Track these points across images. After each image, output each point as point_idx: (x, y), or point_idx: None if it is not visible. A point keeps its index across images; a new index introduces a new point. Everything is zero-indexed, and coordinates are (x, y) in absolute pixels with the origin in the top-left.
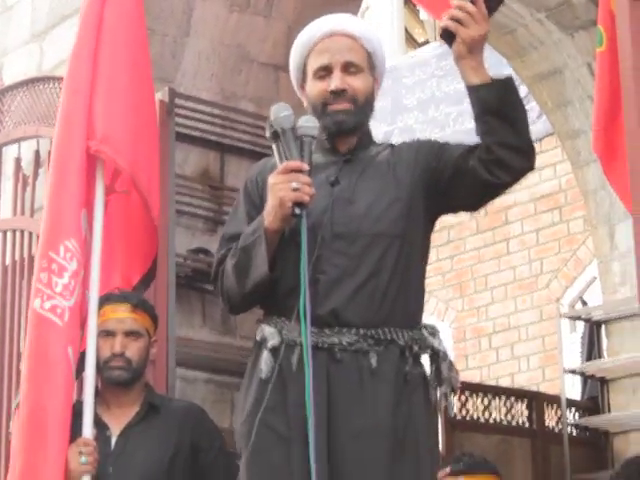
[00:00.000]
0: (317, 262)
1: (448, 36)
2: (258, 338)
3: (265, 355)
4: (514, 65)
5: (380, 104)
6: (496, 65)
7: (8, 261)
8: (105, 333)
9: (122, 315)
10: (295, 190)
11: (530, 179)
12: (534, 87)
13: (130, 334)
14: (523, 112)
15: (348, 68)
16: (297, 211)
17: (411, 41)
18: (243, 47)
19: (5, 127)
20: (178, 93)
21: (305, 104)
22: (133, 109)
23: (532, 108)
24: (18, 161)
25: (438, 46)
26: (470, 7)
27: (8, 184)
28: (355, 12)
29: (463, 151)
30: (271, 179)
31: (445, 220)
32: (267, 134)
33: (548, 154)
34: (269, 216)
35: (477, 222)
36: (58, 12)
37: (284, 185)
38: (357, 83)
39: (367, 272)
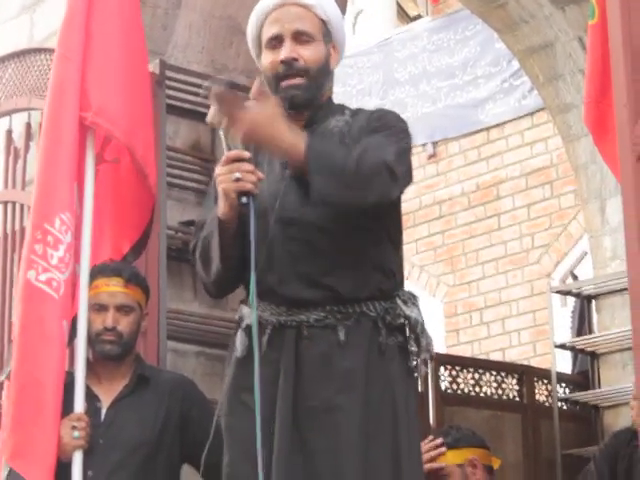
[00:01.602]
0: (270, 248)
1: None
2: (237, 317)
3: (239, 334)
4: (505, 39)
5: (372, 78)
6: (487, 40)
7: (0, 233)
8: (97, 307)
9: (114, 289)
10: (237, 180)
11: (521, 154)
12: (525, 61)
13: (122, 308)
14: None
15: (299, 37)
16: (244, 200)
17: (403, 15)
18: (234, 19)
19: None
20: (169, 65)
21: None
22: (127, 80)
23: (524, 82)
24: (9, 133)
25: (430, 20)
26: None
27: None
28: None
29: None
30: (216, 171)
31: (436, 195)
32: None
33: (539, 128)
34: (219, 206)
35: (468, 197)
36: None
37: (226, 176)
38: (308, 53)
39: (322, 254)
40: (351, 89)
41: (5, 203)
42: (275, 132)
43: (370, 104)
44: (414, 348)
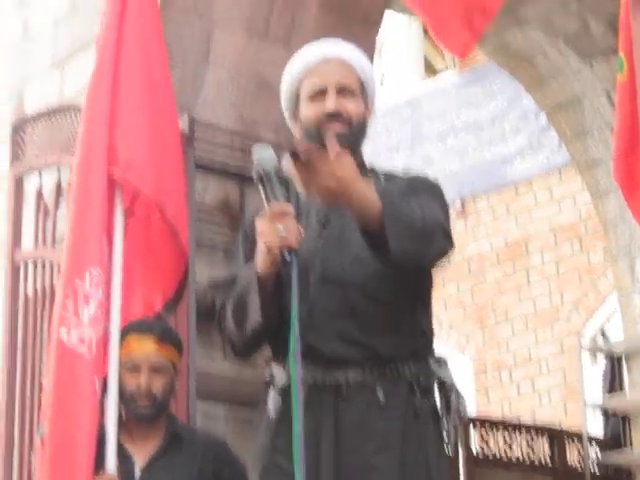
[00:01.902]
0: (310, 306)
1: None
2: (267, 377)
3: (272, 395)
4: (533, 94)
5: (400, 133)
6: (515, 95)
7: (30, 292)
8: (130, 366)
9: (147, 348)
10: (282, 236)
11: (550, 209)
12: (553, 116)
13: (155, 368)
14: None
15: (342, 91)
16: (287, 256)
17: (431, 70)
18: (262, 75)
19: (27, 157)
20: (198, 122)
21: (297, 134)
22: (155, 135)
23: (552, 138)
24: (39, 191)
25: (458, 74)
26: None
27: (29, 214)
28: (374, 39)
29: None
30: (258, 225)
31: (465, 252)
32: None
33: (568, 184)
34: (259, 262)
35: (497, 253)
36: (79, 40)
37: (270, 231)
38: (351, 106)
39: (362, 313)
40: (379, 145)
41: (35, 261)
42: (356, 187)
43: (398, 160)
44: (445, 411)
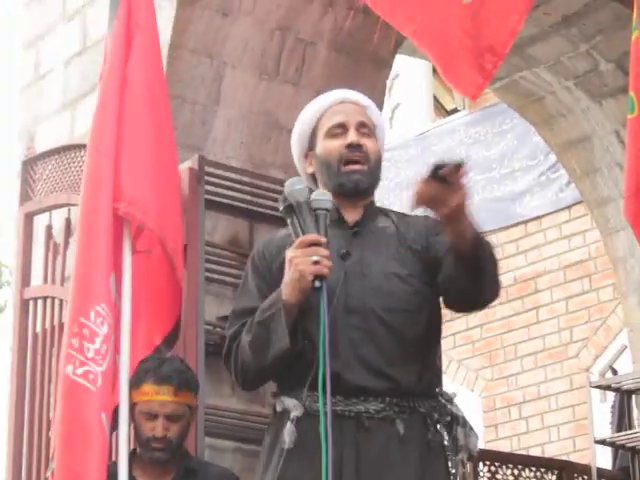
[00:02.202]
0: (334, 335)
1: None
2: (279, 409)
3: (288, 427)
4: (542, 132)
5: (408, 171)
6: (524, 133)
7: (39, 329)
8: (147, 413)
9: (165, 398)
10: (315, 263)
11: (559, 247)
12: (562, 154)
13: (173, 418)
14: (493, 267)
15: (361, 129)
16: (317, 284)
17: (440, 109)
18: (272, 115)
19: (37, 195)
20: (208, 160)
21: (307, 171)
22: (158, 171)
23: (561, 175)
24: (49, 229)
25: (467, 114)
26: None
27: (39, 252)
28: (384, 80)
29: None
30: (290, 253)
31: None
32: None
33: (577, 221)
34: (287, 289)
35: (506, 290)
36: (89, 80)
37: (304, 258)
38: (370, 144)
39: (383, 344)
40: (388, 182)
41: (45, 298)
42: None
43: (407, 198)
44: (454, 447)
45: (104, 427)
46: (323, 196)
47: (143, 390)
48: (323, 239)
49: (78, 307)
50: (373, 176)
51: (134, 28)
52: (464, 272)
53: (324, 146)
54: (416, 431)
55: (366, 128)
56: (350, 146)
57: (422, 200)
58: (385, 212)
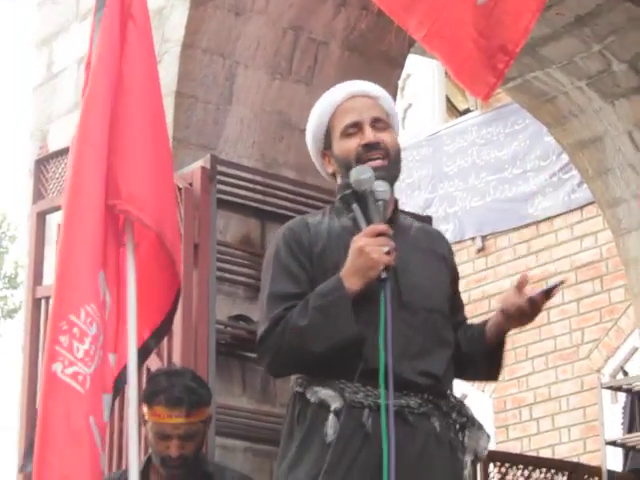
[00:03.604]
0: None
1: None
2: (313, 400)
3: (331, 419)
4: (555, 133)
5: (421, 172)
6: (536, 134)
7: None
8: (160, 434)
9: (177, 421)
10: (387, 253)
11: (571, 248)
12: (575, 155)
13: (187, 437)
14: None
15: (376, 124)
16: (384, 275)
17: (452, 109)
18: (284, 114)
19: (49, 194)
20: (220, 160)
21: (327, 170)
22: (153, 167)
23: (573, 176)
24: (61, 228)
25: (479, 114)
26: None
27: (51, 251)
28: (396, 80)
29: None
30: (360, 241)
31: (485, 289)
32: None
33: (589, 222)
34: (353, 277)
35: None
36: None
37: (375, 247)
38: (388, 138)
39: (425, 342)
40: (400, 183)
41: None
42: None
43: (419, 198)
44: (462, 446)
45: (92, 431)
46: (382, 187)
47: (155, 411)
48: (390, 230)
49: (67, 304)
50: (395, 169)
51: (126, 18)
52: (487, 353)
53: (340, 146)
54: (444, 429)
55: (381, 122)
56: (367, 146)
57: (511, 311)
58: (404, 213)
